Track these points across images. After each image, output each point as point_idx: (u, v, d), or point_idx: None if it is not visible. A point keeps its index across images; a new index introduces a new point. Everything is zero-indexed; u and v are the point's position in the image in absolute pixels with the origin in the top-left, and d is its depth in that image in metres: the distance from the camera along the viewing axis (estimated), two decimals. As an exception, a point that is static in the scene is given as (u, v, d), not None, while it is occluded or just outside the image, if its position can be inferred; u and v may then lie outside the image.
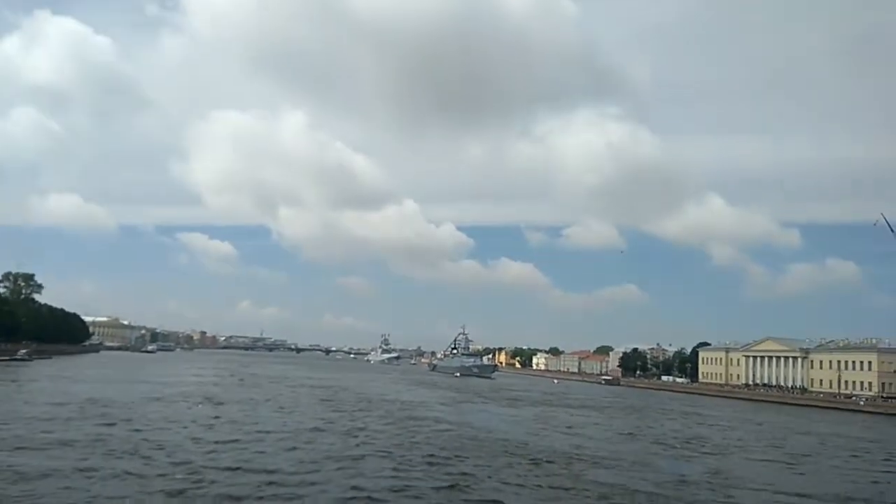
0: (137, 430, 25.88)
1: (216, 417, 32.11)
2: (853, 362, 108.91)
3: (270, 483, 17.35)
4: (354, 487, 17.43)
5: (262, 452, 22.42)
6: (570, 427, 40.17)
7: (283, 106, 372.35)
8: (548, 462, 24.45)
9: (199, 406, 38.02)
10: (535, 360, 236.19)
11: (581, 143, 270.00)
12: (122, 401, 37.60)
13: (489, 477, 20.65)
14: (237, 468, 18.97)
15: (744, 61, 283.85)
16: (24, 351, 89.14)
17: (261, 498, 15.82)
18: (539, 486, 19.74)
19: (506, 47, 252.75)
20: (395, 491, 17.50)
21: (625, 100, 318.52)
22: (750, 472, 26.14)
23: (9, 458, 18.87)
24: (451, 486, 18.29)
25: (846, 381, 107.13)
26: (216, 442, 24.06)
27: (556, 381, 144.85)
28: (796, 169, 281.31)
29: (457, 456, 24.54)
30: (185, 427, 28.00)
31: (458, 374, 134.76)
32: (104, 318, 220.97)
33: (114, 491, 15.47)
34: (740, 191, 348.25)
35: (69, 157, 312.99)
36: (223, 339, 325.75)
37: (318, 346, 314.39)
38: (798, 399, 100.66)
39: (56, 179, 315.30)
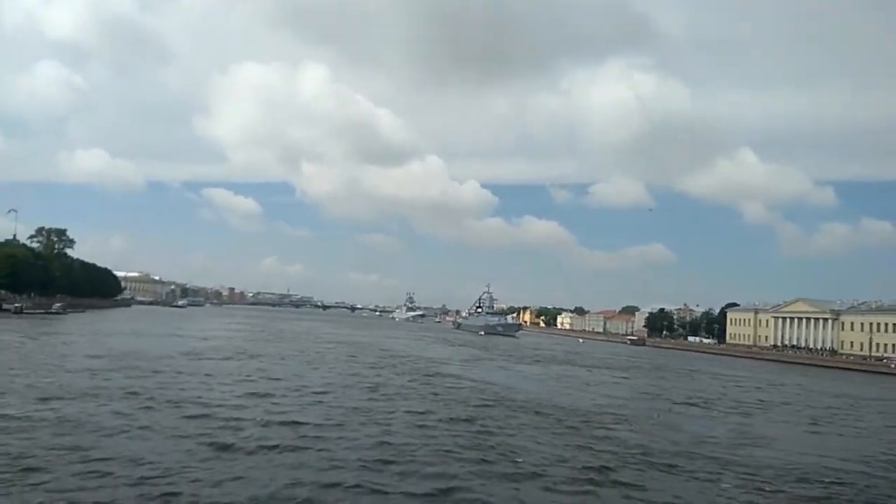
0: (173, 383, 26.17)
1: (248, 372, 32.37)
2: (885, 324, 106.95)
3: (302, 436, 17.41)
4: (382, 442, 17.38)
5: (293, 406, 22.52)
6: (591, 386, 39.91)
7: (305, 59, 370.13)
8: (566, 419, 24.23)
9: (232, 360, 38.50)
10: (559, 320, 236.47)
11: (609, 96, 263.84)
12: (159, 354, 38.21)
13: (507, 433, 20.51)
14: (271, 422, 19.01)
15: (780, 12, 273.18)
16: (58, 305, 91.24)
17: (296, 448, 15.90)
18: (555, 443, 19.53)
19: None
20: (418, 445, 17.40)
21: (656, 51, 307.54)
22: (771, 431, 25.70)
23: (51, 407, 19.14)
24: (470, 445, 18.10)
25: (878, 344, 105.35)
26: (250, 394, 24.23)
27: (580, 340, 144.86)
28: (832, 125, 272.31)
29: (477, 413, 24.44)
30: (219, 380, 28.26)
31: (482, 333, 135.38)
32: (135, 274, 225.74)
33: (155, 443, 15.55)
34: (774, 147, 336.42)
35: (95, 113, 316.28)
36: (251, 295, 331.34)
37: (344, 303, 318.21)
38: (827, 361, 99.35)
39: (83, 135, 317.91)
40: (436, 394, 29.01)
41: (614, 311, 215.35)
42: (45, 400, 20.16)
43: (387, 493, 12.82)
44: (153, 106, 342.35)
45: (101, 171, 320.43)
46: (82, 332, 55.63)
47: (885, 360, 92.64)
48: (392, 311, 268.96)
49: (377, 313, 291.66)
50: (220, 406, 21.19)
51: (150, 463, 13.59)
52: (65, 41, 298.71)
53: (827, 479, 16.77)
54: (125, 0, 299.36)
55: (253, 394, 24.44)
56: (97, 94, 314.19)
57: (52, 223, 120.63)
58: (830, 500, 15.07)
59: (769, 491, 15.15)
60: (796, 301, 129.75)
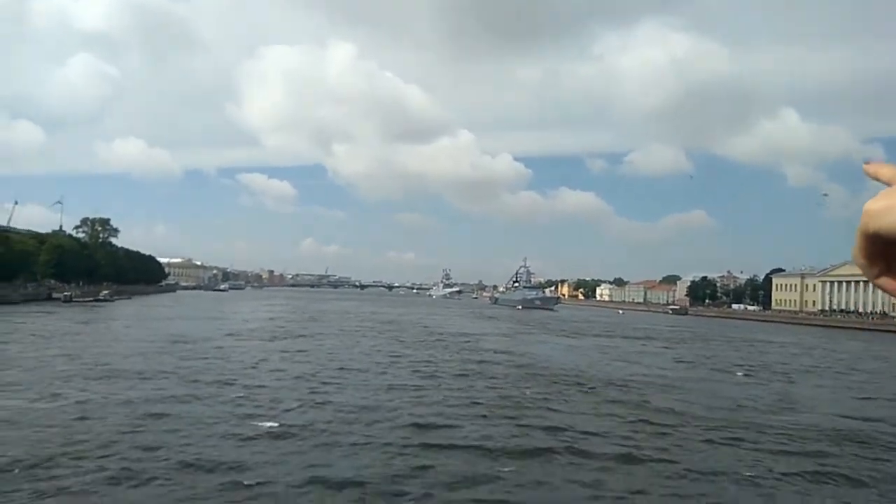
0: (223, 363, 26.77)
1: (292, 352, 32.81)
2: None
3: (346, 412, 17.53)
4: (419, 416, 17.40)
5: (339, 384, 22.70)
6: (632, 356, 39.47)
7: (332, 38, 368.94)
8: (603, 388, 24.18)
9: (276, 341, 39.14)
10: (598, 292, 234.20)
11: (643, 59, 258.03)
12: (206, 336, 39.34)
13: (545, 401, 20.65)
14: (318, 402, 19.08)
15: None
16: (105, 292, 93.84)
17: (344, 422, 16.06)
18: (593, 411, 19.51)
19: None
20: (458, 418, 17.38)
21: (690, 10, 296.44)
22: (813, 396, 25.25)
23: (112, 387, 19.99)
24: (510, 414, 18.04)
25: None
26: (296, 377, 24.20)
27: (620, 311, 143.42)
28: (878, 80, 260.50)
29: (516, 384, 24.56)
30: (266, 361, 28.70)
31: (519, 307, 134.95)
32: (178, 260, 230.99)
33: (210, 422, 15.88)
34: (817, 105, 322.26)
35: (130, 103, 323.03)
36: (290, 277, 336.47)
37: (381, 282, 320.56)
38: (878, 325, 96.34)
39: (119, 125, 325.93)
40: (476, 371, 28.86)
41: (655, 281, 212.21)
42: (106, 379, 21.13)
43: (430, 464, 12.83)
44: (186, 94, 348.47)
45: (139, 161, 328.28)
46: (130, 318, 57.35)
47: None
48: (429, 289, 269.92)
49: (414, 291, 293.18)
50: (272, 389, 21.43)
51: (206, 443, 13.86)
52: (97, 33, 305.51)
53: (855, 439, 16.51)
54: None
55: (298, 377, 24.44)
56: (131, 84, 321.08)
57: (94, 214, 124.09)
58: (856, 456, 14.89)
59: (795, 453, 14.91)
60: (844, 264, 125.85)
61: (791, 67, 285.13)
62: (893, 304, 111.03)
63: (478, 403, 19.50)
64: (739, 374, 31.92)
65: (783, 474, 13.19)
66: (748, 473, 13.13)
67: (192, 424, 15.27)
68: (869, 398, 25.59)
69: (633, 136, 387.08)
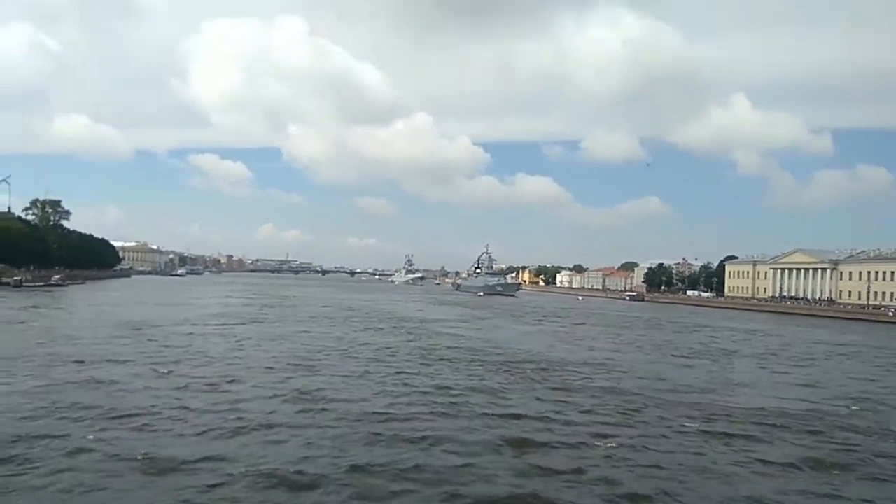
0: (181, 350, 26.55)
1: (250, 339, 32.64)
2: (883, 272, 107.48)
3: (306, 398, 17.72)
4: (370, 405, 17.67)
5: (296, 371, 22.76)
6: (584, 340, 40.85)
7: (279, 13, 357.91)
8: (553, 370, 25.36)
9: (237, 326, 38.91)
10: (559, 278, 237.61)
11: (597, 43, 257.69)
12: (164, 322, 38.89)
13: (500, 384, 21.52)
14: (280, 392, 18.94)
15: None
16: (57, 276, 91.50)
17: (295, 413, 16.09)
18: (543, 389, 20.74)
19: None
20: (412, 406, 17.78)
21: None
22: (743, 376, 27.12)
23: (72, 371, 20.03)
24: (459, 401, 18.52)
25: (876, 292, 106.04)
26: (249, 367, 23.71)
27: (580, 297, 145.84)
28: (828, 69, 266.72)
29: (472, 367, 25.41)
30: (226, 346, 28.68)
31: (481, 294, 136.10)
32: (133, 244, 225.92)
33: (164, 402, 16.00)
34: (769, 93, 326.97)
35: (72, 78, 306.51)
36: (250, 262, 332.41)
37: (343, 268, 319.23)
38: (825, 311, 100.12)
39: (63, 102, 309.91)
40: (435, 355, 29.32)
41: (613, 267, 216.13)
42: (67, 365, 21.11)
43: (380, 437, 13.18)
44: (130, 69, 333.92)
45: (85, 139, 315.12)
46: (85, 303, 56.19)
47: (882, 309, 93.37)
48: (391, 275, 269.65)
49: (376, 277, 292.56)
50: (237, 375, 21.56)
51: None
52: (34, 1, 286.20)
53: (778, 418, 17.59)
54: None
55: (251, 367, 24.03)
56: (71, 57, 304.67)
57: (45, 195, 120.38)
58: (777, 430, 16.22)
59: (719, 431, 15.85)
60: (794, 252, 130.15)
61: (743, 55, 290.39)
62: (840, 291, 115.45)
63: (429, 392, 19.78)
64: (681, 357, 33.42)
65: (714, 451, 14.06)
66: (672, 447, 14.09)
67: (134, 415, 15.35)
68: (794, 376, 27.33)
69: (589, 122, 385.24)
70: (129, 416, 14.68)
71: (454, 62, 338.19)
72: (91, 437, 12.88)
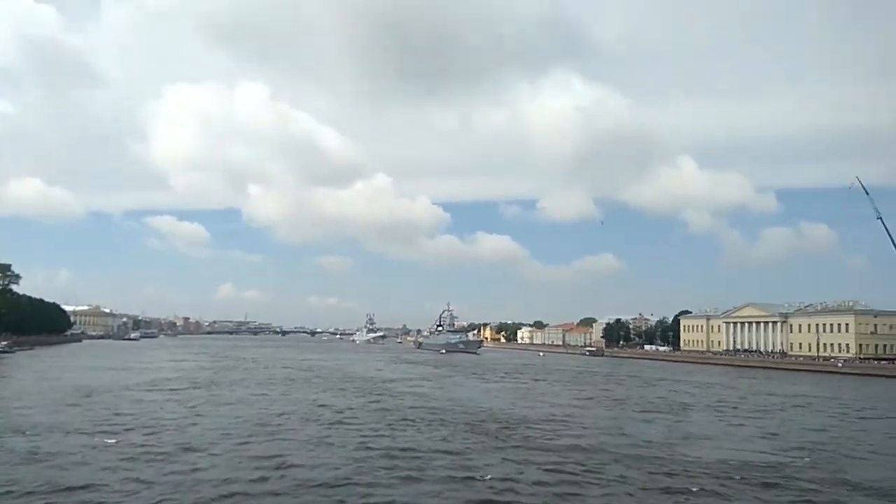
0: (127, 416, 25.77)
1: (205, 404, 31.89)
2: (831, 325, 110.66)
3: (265, 466, 17.39)
4: (327, 473, 17.40)
5: (255, 433, 22.39)
6: (545, 396, 41.37)
7: (240, 78, 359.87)
8: (516, 428, 25.56)
9: (192, 391, 37.85)
10: (520, 334, 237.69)
11: (551, 108, 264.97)
12: (112, 388, 37.74)
13: (464, 444, 21.41)
14: (237, 460, 18.64)
15: (715, 18, 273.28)
16: (4, 343, 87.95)
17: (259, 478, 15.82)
18: (507, 448, 20.79)
19: (470, 6, 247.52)
20: (372, 472, 17.54)
21: (594, 61, 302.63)
22: (701, 429, 27.84)
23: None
24: (421, 465, 18.38)
25: (825, 344, 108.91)
26: (212, 432, 23.42)
27: (541, 353, 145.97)
28: (771, 130, 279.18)
29: (435, 427, 25.27)
30: (179, 413, 27.95)
31: (443, 351, 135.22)
32: (85, 307, 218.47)
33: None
34: (715, 154, 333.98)
35: (26, 140, 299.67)
36: (207, 324, 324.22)
37: (304, 327, 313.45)
38: (778, 363, 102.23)
39: (15, 164, 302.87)
40: (396, 415, 29.07)
41: (572, 323, 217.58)
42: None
43: None
44: (87, 132, 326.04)
45: (38, 202, 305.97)
46: (31, 370, 53.97)
47: (832, 360, 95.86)
48: (353, 334, 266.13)
49: (338, 336, 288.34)
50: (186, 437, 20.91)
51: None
52: None
53: (738, 471, 18.02)
54: (47, 20, 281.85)
55: (207, 434, 23.71)
56: (27, 120, 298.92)
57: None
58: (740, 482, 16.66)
59: (682, 488, 16.10)
60: (746, 306, 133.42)
61: (689, 118, 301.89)
62: (791, 343, 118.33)
63: (393, 455, 19.56)
64: (635, 412, 33.93)
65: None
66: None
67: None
68: (749, 427, 27.83)
69: (544, 182, 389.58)
70: (74, 490, 14.09)
71: (413, 125, 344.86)
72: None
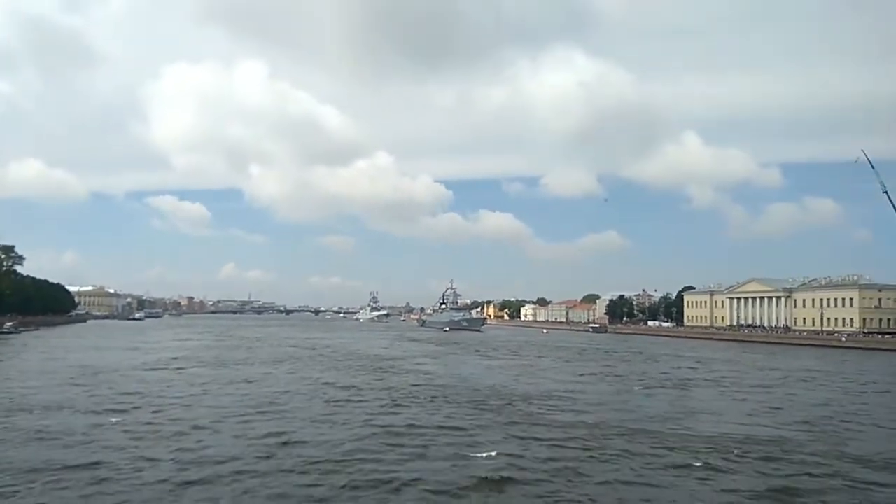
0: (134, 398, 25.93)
1: (212, 382, 32.10)
2: (835, 299, 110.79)
3: (272, 443, 17.50)
4: (335, 449, 17.55)
5: (262, 411, 22.61)
6: (548, 372, 41.60)
7: (241, 57, 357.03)
8: (519, 404, 25.72)
9: (198, 370, 38.14)
10: (523, 312, 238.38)
11: (553, 84, 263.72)
12: (118, 367, 37.97)
13: (468, 421, 21.50)
14: (245, 438, 18.72)
15: None
16: (10, 324, 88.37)
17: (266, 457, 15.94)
18: (511, 425, 20.88)
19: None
20: (376, 450, 17.67)
21: (597, 37, 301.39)
22: (704, 404, 27.98)
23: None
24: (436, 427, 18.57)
25: (829, 319, 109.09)
26: (219, 411, 23.52)
27: (545, 331, 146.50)
28: (775, 106, 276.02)
29: (440, 404, 25.44)
30: (186, 391, 28.14)
31: (447, 329, 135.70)
32: (89, 288, 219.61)
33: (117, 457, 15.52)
34: (718, 130, 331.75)
35: (26, 122, 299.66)
36: (211, 304, 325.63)
37: (307, 306, 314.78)
38: (781, 338, 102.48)
39: (16, 146, 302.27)
40: (400, 392, 29.33)
41: (576, 300, 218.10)
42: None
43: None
44: (87, 113, 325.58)
45: (39, 183, 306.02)
46: (38, 350, 54.33)
47: (836, 335, 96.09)
48: (356, 313, 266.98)
49: (341, 315, 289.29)
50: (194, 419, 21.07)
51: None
52: None
53: (741, 445, 18.09)
54: (45, 0, 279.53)
55: (214, 412, 24.04)
56: (26, 101, 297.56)
57: None
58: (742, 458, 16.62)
59: (685, 462, 16.18)
60: (750, 281, 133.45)
61: (692, 93, 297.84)
62: (795, 318, 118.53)
63: (398, 432, 19.69)
64: (638, 388, 34.06)
65: (682, 482, 14.34)
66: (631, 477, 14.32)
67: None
68: (750, 402, 27.85)
69: (547, 159, 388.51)
70: (84, 467, 14.26)
71: (414, 104, 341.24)
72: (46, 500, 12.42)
